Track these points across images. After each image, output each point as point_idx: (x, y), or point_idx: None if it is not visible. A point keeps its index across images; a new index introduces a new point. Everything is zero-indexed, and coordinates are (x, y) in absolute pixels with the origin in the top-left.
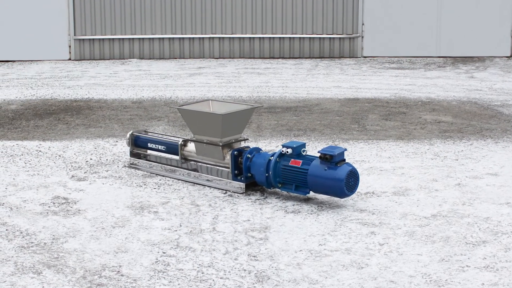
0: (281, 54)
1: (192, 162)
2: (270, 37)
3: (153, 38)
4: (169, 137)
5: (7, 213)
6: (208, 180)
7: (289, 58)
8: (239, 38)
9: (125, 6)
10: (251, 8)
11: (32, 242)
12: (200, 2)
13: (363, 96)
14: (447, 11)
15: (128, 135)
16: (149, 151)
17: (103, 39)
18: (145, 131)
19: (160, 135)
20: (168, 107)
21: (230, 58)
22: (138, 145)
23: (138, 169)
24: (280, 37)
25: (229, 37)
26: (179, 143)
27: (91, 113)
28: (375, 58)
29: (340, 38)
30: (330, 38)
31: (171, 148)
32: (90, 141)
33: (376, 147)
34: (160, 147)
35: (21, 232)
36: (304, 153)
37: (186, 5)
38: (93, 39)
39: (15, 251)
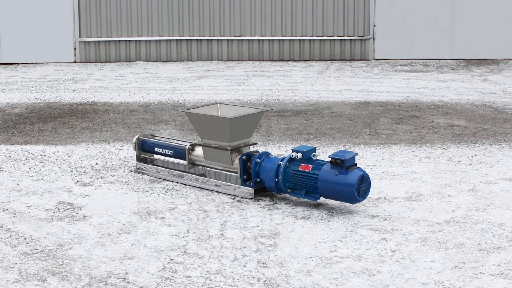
0: (291, 56)
1: (200, 167)
2: (279, 39)
3: (160, 40)
4: (177, 141)
5: (10, 219)
6: (216, 185)
7: (299, 60)
8: (248, 40)
9: (131, 8)
10: (260, 9)
11: (36, 249)
12: (208, 4)
13: (374, 100)
14: (461, 12)
15: (134, 139)
16: (156, 156)
17: (109, 41)
18: (151, 135)
19: (167, 139)
20: (175, 110)
21: (238, 60)
22: (145, 149)
23: (145, 174)
24: (290, 39)
25: (238, 39)
26: (187, 147)
27: (97, 117)
28: (387, 61)
29: (351, 40)
30: (341, 40)
31: (179, 153)
32: (95, 145)
33: (388, 151)
34: (167, 151)
35: (25, 239)
36: (314, 158)
37: (194, 7)
38: (99, 41)
39: (19, 257)
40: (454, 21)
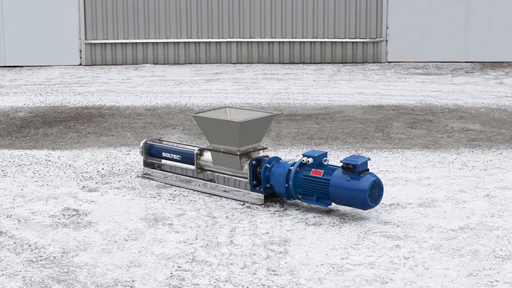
0: (302, 59)
1: (208, 172)
2: (290, 41)
3: (167, 43)
4: (185, 146)
5: (15, 225)
6: (225, 191)
7: (310, 63)
8: (258, 42)
9: (138, 9)
10: (270, 11)
11: (41, 256)
12: (217, 5)
13: (387, 103)
14: (476, 14)
15: (141, 144)
16: (163, 161)
17: (115, 43)
18: (159, 140)
19: (175, 144)
20: (183, 114)
21: (248, 63)
22: (152, 154)
23: (152, 179)
24: (300, 41)
25: (248, 41)
26: (195, 152)
27: (103, 121)
28: (399, 63)
29: (363, 42)
30: (353, 42)
31: (187, 158)
32: (101, 150)
33: (401, 156)
34: (175, 156)
35: (30, 246)
36: (325, 163)
37: (202, 8)
38: (105, 43)
39: (23, 265)
40: (468, 23)
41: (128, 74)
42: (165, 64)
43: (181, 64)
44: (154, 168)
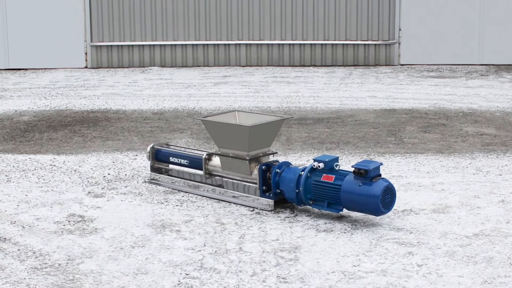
0: (312, 61)
1: (217, 177)
2: (300, 44)
3: (175, 45)
4: (193, 151)
5: (19, 232)
6: (234, 196)
7: (321, 66)
8: (268, 44)
9: (145, 11)
10: (280, 12)
11: (45, 263)
12: (226, 7)
13: (400, 107)
14: (490, 16)
15: (148, 149)
16: (171, 166)
17: (121, 45)
18: (166, 144)
19: (182, 149)
20: (191, 118)
21: (257, 66)
22: (159, 159)
23: (160, 184)
24: (311, 44)
25: (257, 44)
26: (203, 157)
27: (109, 125)
28: (412, 66)
29: (375, 44)
30: (364, 44)
31: (195, 163)
32: (108, 154)
33: (414, 161)
34: (183, 161)
35: (34, 253)
36: (337, 168)
37: (211, 10)
38: (111, 45)
39: (27, 272)
40: (483, 25)
41: (134, 77)
42: (172, 67)
43: (189, 66)
44: (161, 173)
